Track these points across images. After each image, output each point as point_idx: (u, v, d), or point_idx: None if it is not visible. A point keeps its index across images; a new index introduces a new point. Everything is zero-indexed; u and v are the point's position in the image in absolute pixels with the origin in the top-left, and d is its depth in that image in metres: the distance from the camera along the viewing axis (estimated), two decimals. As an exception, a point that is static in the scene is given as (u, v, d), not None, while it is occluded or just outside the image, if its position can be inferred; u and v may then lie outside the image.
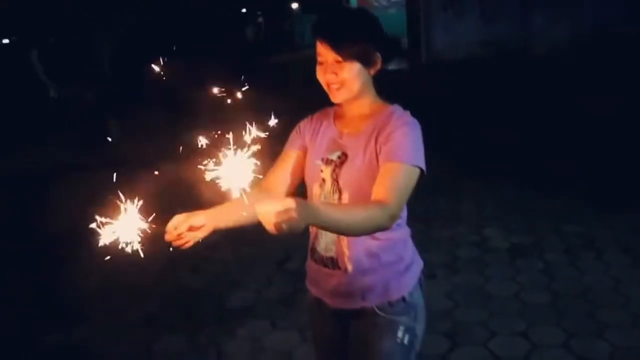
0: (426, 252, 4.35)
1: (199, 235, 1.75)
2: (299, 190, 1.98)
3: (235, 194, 1.45)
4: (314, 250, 1.96)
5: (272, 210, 1.34)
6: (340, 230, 1.64)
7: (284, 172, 1.95)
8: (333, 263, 1.90)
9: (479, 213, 5.28)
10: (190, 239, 1.74)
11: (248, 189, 1.47)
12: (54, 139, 10.39)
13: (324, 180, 1.87)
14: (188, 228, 1.72)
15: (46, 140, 10.33)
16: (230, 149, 1.48)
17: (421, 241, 4.49)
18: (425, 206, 5.24)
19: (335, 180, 1.84)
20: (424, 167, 1.75)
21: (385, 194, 1.64)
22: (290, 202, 1.35)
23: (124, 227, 1.58)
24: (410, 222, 1.98)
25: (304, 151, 1.96)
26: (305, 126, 1.99)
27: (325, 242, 1.91)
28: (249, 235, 4.65)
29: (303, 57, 17.22)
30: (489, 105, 8.84)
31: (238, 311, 3.99)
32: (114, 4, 16.05)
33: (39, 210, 5.51)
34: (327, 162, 1.86)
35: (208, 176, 1.46)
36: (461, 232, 4.88)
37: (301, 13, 26.03)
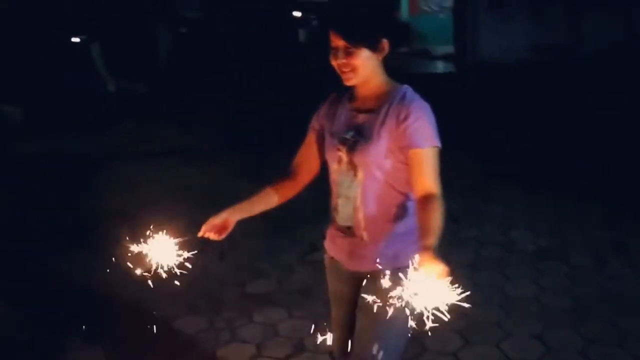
0: (450, 251, 4.34)
1: (228, 229, 2.07)
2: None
3: None
4: (333, 220, 2.12)
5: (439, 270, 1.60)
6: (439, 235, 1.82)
7: (306, 155, 2.17)
8: (350, 231, 2.05)
9: (507, 214, 5.13)
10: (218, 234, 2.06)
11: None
12: (110, 128, 10.62)
13: (340, 158, 2.00)
14: (212, 227, 2.04)
15: (103, 130, 10.56)
16: None
17: (448, 240, 4.46)
18: (455, 204, 5.12)
19: (351, 158, 1.97)
20: (439, 144, 1.93)
21: (431, 184, 1.87)
22: (439, 265, 1.60)
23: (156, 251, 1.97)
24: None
25: (322, 134, 2.12)
26: (322, 110, 2.15)
27: (344, 213, 2.06)
28: (281, 226, 4.71)
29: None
30: (533, 108, 8.60)
31: (257, 298, 4.00)
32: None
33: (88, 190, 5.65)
34: (343, 141, 1.99)
35: None
36: (488, 232, 4.76)
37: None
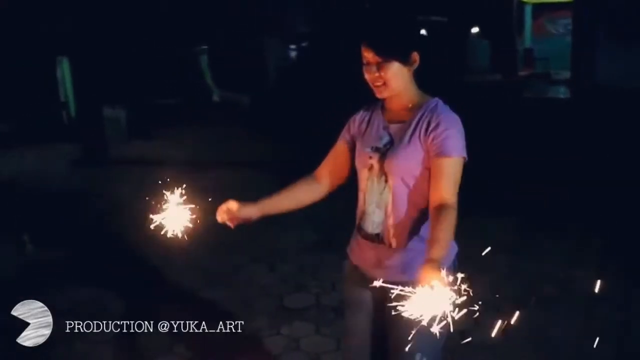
0: (502, 283, 4.20)
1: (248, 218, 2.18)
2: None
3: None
4: (360, 227, 2.16)
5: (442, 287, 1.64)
6: (447, 247, 1.89)
7: (333, 164, 2.25)
8: (379, 238, 2.10)
9: (576, 252, 4.87)
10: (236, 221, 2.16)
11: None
12: (209, 134, 11.18)
13: (372, 165, 2.08)
14: (229, 213, 2.14)
15: (203, 136, 11.15)
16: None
17: (502, 271, 4.33)
18: (521, 236, 4.98)
19: (382, 166, 2.05)
20: (465, 155, 1.99)
21: (447, 194, 1.92)
22: (437, 274, 1.65)
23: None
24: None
25: (353, 144, 2.20)
26: (355, 120, 2.23)
27: (372, 221, 2.11)
28: (335, 242, 4.82)
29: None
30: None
31: (291, 311, 4.11)
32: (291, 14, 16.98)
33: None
34: (376, 150, 2.07)
35: None
36: (547, 268, 4.54)
37: (478, 38, 25.48)
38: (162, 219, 2.07)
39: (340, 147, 2.24)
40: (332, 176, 2.25)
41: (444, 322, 1.74)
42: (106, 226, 6.05)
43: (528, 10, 20.32)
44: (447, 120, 1.99)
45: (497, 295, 4.07)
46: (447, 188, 1.93)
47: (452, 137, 1.96)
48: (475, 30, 25.98)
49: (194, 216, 2.10)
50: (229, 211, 2.13)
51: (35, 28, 11.56)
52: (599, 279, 4.27)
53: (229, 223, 2.14)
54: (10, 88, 12.02)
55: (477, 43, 24.19)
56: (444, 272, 1.66)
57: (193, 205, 2.10)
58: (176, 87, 13.78)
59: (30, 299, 4.34)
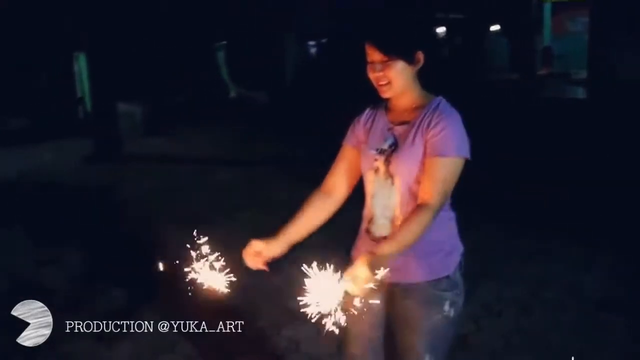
0: (507, 285, 4.17)
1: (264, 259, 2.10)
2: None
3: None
4: (368, 230, 2.14)
5: (358, 286, 1.71)
6: (408, 247, 1.90)
7: (343, 171, 2.20)
8: None
9: (585, 256, 4.82)
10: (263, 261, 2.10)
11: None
12: (224, 131, 11.21)
13: (377, 168, 2.06)
14: (256, 254, 2.08)
15: (219, 133, 11.19)
16: None
17: (509, 276, 4.29)
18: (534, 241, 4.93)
19: (387, 167, 2.03)
20: (466, 155, 1.97)
21: (428, 194, 1.91)
22: (366, 271, 1.71)
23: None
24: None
25: (359, 147, 2.16)
26: (359, 122, 2.20)
27: (381, 223, 2.10)
28: (344, 243, 4.83)
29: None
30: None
31: (294, 313, 4.06)
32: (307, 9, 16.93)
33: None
34: (381, 152, 2.06)
35: None
36: (553, 272, 4.50)
37: (498, 35, 25.27)
38: (199, 279, 2.02)
39: (348, 151, 2.20)
40: (346, 183, 2.20)
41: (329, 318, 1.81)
42: (112, 223, 6.10)
43: (547, 8, 20.10)
44: (447, 120, 1.97)
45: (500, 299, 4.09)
46: (431, 187, 1.91)
47: (448, 137, 1.95)
48: (495, 28, 25.80)
49: (230, 275, 2.04)
50: (257, 254, 2.08)
51: (53, 24, 11.67)
52: (607, 284, 4.27)
53: (262, 268, 2.09)
54: (28, 84, 12.18)
55: (496, 41, 24.01)
56: (381, 271, 1.71)
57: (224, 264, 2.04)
58: (193, 84, 13.85)
59: (34, 294, 4.48)
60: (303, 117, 11.07)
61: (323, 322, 1.79)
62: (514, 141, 9.11)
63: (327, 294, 1.75)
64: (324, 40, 19.63)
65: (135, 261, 5.01)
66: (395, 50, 1.97)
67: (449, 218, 2.11)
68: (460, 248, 2.15)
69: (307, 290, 1.79)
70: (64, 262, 5.11)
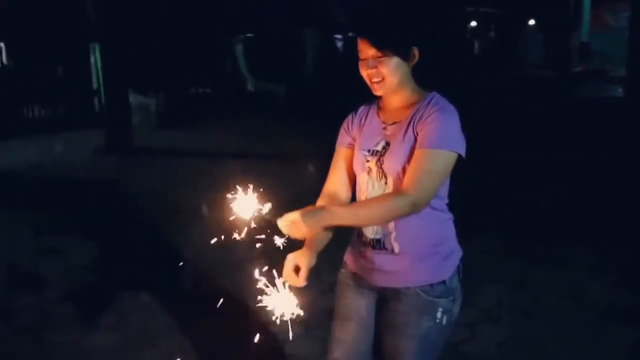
0: (508, 291, 4.06)
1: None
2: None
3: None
4: (360, 233, 2.09)
5: (284, 225, 1.78)
6: (362, 223, 1.93)
7: (341, 174, 2.14)
8: (380, 244, 2.03)
9: (595, 262, 4.67)
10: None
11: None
12: (240, 124, 11.22)
13: (370, 169, 2.02)
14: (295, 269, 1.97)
15: (234, 126, 11.20)
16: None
17: (512, 281, 4.18)
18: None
19: (380, 168, 1.99)
20: (459, 151, 1.89)
21: (408, 183, 1.84)
22: (295, 216, 1.75)
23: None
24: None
25: (353, 147, 2.11)
26: (351, 121, 2.15)
27: (372, 226, 2.04)
28: (343, 241, 4.81)
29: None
30: None
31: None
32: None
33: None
34: (373, 153, 2.01)
35: None
36: (559, 278, 4.36)
37: (534, 30, 24.88)
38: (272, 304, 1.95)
39: (344, 153, 2.14)
40: (346, 185, 2.14)
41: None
42: (115, 214, 6.13)
43: (587, 1, 19.65)
44: (439, 113, 1.91)
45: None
46: (413, 178, 1.85)
47: (438, 129, 1.88)
48: (531, 22, 25.40)
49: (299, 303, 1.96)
50: (297, 269, 1.96)
51: (73, 14, 11.83)
52: (614, 292, 4.12)
53: (304, 283, 1.97)
54: (48, 75, 12.37)
55: (532, 36, 23.64)
56: (301, 225, 1.75)
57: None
58: (211, 77, 13.90)
59: (30, 282, 4.54)
60: (321, 112, 11.04)
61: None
62: (535, 141, 8.94)
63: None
64: (351, 34, 19.53)
65: (133, 253, 5.05)
66: (389, 46, 1.92)
67: (446, 219, 2.05)
68: (459, 252, 2.09)
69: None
70: (63, 252, 5.15)
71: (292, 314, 1.92)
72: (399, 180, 1.94)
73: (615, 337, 3.60)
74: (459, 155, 1.90)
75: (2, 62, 14.28)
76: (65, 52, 12.46)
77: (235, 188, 1.85)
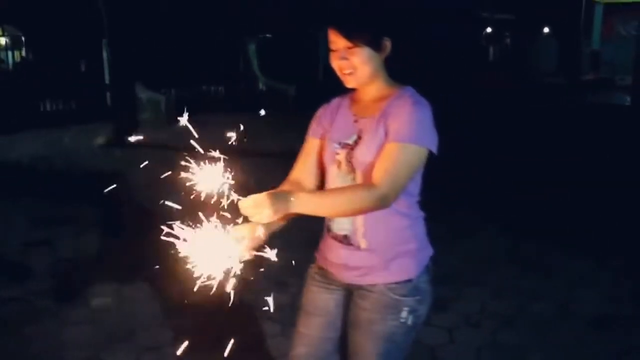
0: (495, 296, 3.90)
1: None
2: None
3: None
4: (329, 228, 2.02)
5: (247, 205, 1.63)
6: (327, 213, 1.83)
7: (308, 163, 2.05)
8: (347, 240, 1.96)
9: (589, 271, 4.48)
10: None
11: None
12: (249, 122, 11.14)
13: (340, 162, 1.94)
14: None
15: (241, 123, 11.11)
16: None
17: (497, 286, 4.01)
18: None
19: (349, 161, 1.91)
20: (429, 146, 1.81)
21: (377, 176, 1.76)
22: (262, 197, 1.62)
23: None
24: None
25: (324, 139, 2.03)
26: (322, 113, 2.07)
27: (342, 220, 1.95)
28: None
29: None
30: None
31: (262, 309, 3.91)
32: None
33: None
34: (343, 145, 1.93)
35: None
36: (547, 285, 4.18)
37: (548, 37, 24.55)
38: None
39: (313, 143, 2.06)
40: (312, 176, 2.05)
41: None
42: (109, 207, 6.03)
43: (599, 10, 19.35)
44: (411, 107, 1.84)
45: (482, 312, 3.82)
46: (381, 171, 1.76)
47: (411, 123, 1.80)
48: (546, 30, 25.08)
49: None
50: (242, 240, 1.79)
51: (86, 9, 11.81)
52: (604, 302, 3.94)
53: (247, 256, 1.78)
54: (65, 69, 12.39)
55: (546, 43, 23.33)
56: (267, 206, 1.60)
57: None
58: (222, 74, 13.85)
59: (15, 273, 4.47)
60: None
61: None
62: (539, 144, 8.80)
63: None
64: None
65: (121, 247, 4.96)
66: (361, 37, 1.84)
67: (416, 217, 1.97)
68: (428, 251, 2.01)
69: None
70: (54, 244, 5.08)
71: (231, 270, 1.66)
72: (367, 175, 1.85)
73: (598, 349, 3.42)
74: (430, 152, 1.83)
75: (21, 55, 14.35)
76: (81, 46, 12.46)
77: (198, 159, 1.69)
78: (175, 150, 8.48)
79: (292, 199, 1.68)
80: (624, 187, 6.57)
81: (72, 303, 3.98)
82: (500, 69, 21.65)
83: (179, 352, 3.41)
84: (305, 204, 1.71)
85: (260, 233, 1.80)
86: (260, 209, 1.61)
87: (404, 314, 1.91)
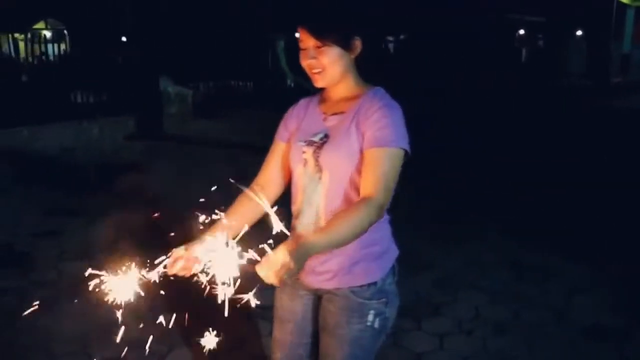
0: (490, 302, 3.70)
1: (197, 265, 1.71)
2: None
3: None
4: (294, 229, 1.93)
5: (272, 271, 1.48)
6: (343, 243, 1.68)
7: (275, 167, 1.99)
8: None
9: (589, 277, 4.24)
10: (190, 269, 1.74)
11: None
12: (275, 118, 11.11)
13: (306, 160, 1.87)
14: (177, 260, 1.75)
15: (269, 120, 11.07)
16: None
17: (494, 289, 3.82)
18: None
19: (316, 160, 1.84)
20: (407, 149, 1.76)
21: (371, 188, 1.69)
22: (284, 256, 1.48)
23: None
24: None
25: (291, 140, 1.96)
26: (289, 115, 2.01)
27: (306, 221, 1.88)
28: None
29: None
30: None
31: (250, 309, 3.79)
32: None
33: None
34: (310, 143, 1.87)
35: None
36: (545, 291, 3.97)
37: (579, 39, 23.98)
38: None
39: (279, 147, 1.99)
40: (278, 180, 1.98)
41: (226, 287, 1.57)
42: (126, 200, 5.99)
43: (630, 14, 18.76)
44: (386, 110, 1.78)
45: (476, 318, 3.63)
46: (376, 182, 1.70)
47: (389, 127, 1.75)
48: (579, 33, 24.49)
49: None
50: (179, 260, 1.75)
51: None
52: (601, 310, 3.71)
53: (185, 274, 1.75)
54: (99, 61, 12.48)
55: (577, 46, 22.79)
56: (300, 262, 1.51)
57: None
58: (251, 70, 13.81)
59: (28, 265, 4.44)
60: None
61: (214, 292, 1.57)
62: (563, 148, 8.52)
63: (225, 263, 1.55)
64: (402, 37, 19.14)
65: (128, 240, 4.88)
66: (330, 36, 1.78)
67: (385, 219, 1.89)
68: (393, 253, 1.93)
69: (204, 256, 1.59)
70: (62, 235, 5.04)
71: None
72: (336, 177, 1.79)
73: (598, 354, 3.21)
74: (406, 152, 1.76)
75: (65, 49, 14.52)
76: (118, 40, 12.55)
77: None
78: (202, 145, 8.50)
79: (309, 248, 1.56)
80: (632, 194, 6.28)
81: (66, 296, 3.91)
82: (531, 70, 21.23)
83: (166, 349, 3.39)
84: (322, 244, 1.61)
85: (198, 254, 1.68)
86: (284, 270, 1.48)
87: (370, 317, 1.85)
